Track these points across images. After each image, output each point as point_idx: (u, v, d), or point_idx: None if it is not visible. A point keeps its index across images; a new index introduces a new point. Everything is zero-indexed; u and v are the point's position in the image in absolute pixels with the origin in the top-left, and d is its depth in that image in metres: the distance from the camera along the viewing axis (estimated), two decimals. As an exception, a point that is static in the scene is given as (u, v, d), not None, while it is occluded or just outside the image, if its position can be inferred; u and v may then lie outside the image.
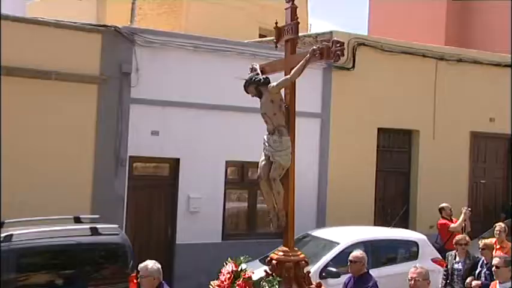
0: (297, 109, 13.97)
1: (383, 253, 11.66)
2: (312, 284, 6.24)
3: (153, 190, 13.41)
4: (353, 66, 15.30)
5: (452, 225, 12.68)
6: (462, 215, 12.67)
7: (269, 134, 6.58)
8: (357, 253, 7.74)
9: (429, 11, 22.91)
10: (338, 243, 11.22)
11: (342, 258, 10.75)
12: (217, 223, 13.80)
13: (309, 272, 6.45)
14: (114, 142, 12.51)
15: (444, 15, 22.79)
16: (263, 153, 6.87)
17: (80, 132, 12.21)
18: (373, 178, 15.76)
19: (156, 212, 13.46)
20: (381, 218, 15.38)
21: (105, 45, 12.54)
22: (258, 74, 6.84)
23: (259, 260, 11.82)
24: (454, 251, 10.31)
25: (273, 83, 6.73)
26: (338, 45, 6.18)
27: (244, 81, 6.89)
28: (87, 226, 9.72)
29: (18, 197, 11.11)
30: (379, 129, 15.93)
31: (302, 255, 6.33)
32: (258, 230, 14.57)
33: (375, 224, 14.86)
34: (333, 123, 15.12)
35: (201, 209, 13.44)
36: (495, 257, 7.64)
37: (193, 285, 12.83)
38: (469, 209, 13.06)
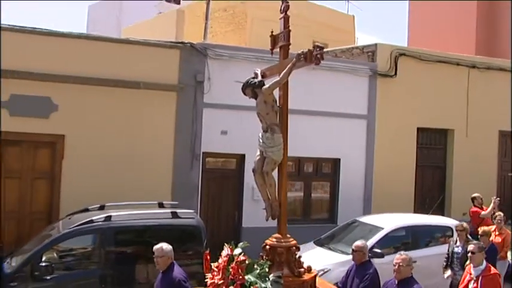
0: (346, 111, 14.23)
1: (421, 237, 11.50)
2: (301, 268, 5.99)
3: (223, 181, 13.64)
4: (395, 74, 15.25)
5: (483, 212, 12.55)
6: (492, 204, 12.53)
7: (263, 131, 6.39)
8: (359, 243, 7.52)
9: (461, 23, 22.53)
10: (382, 228, 11.16)
11: (385, 241, 10.90)
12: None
13: (300, 257, 6.13)
14: (190, 140, 12.81)
15: (474, 26, 22.36)
16: (258, 149, 6.68)
17: (162, 131, 12.55)
18: (413, 172, 15.68)
19: (225, 199, 13.68)
20: (420, 207, 15.26)
21: (183, 58, 12.86)
22: (254, 77, 6.63)
23: (314, 242, 12.00)
24: (456, 236, 10.20)
25: (266, 85, 6.56)
26: (318, 49, 6.00)
27: (242, 84, 6.68)
28: (169, 211, 9.94)
29: (115, 186, 11.55)
30: (418, 129, 15.84)
31: (293, 242, 6.03)
32: (312, 216, 14.69)
33: (415, 212, 14.74)
34: (378, 123, 15.11)
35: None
36: (470, 244, 7.45)
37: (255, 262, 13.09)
38: (498, 198, 12.90)
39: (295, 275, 5.73)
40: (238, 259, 5.59)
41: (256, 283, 5.35)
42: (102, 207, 10.04)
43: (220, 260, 5.71)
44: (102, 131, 11.97)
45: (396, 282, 6.27)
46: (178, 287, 6.23)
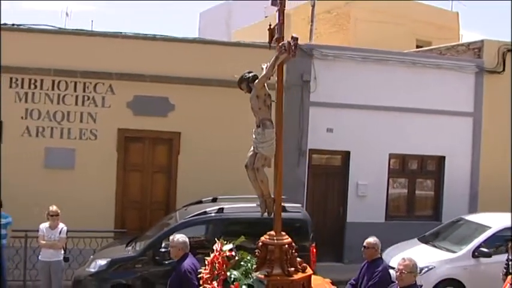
0: (451, 109, 13.57)
1: (533, 238, 10.85)
2: (294, 267, 5.44)
3: (328, 177, 13.56)
4: (503, 70, 14.34)
5: None
6: None
7: (256, 126, 5.97)
8: (371, 240, 7.04)
9: None
10: (490, 227, 10.61)
11: (493, 240, 10.34)
12: (381, 206, 13.69)
13: (293, 254, 5.59)
14: (297, 137, 12.82)
15: None
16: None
17: (270, 129, 12.65)
18: (524, 171, 14.70)
19: (330, 195, 13.59)
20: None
21: (290, 59, 12.88)
22: (249, 72, 6.15)
23: (418, 239, 11.63)
24: None
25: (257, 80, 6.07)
26: (293, 40, 5.61)
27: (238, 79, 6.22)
28: (277, 204, 10.12)
29: (226, 180, 11.72)
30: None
31: (287, 240, 5.54)
32: (416, 213, 14.26)
33: (524, 212, 13.87)
34: (485, 121, 14.29)
35: (367, 194, 13.43)
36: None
37: (359, 256, 12.80)
38: None
39: (285, 274, 5.23)
40: (224, 254, 5.32)
41: (239, 279, 5.06)
42: (214, 200, 10.33)
43: (212, 254, 5.48)
44: (214, 128, 12.30)
45: None
46: (183, 277, 6.10)
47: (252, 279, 5.05)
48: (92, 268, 9.23)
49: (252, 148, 5.93)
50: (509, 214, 11.72)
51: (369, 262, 6.85)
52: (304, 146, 12.92)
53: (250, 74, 5.97)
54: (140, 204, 12.36)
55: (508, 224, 10.66)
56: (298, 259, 5.59)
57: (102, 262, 9.18)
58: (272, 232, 5.54)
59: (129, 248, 9.52)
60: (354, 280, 7.02)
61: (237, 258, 5.36)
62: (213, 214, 9.47)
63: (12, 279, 10.52)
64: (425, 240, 11.44)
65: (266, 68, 5.93)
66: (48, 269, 9.32)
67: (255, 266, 5.30)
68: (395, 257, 10.87)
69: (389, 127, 13.48)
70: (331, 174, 13.65)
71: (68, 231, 9.50)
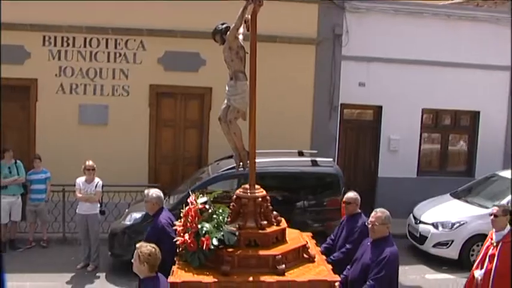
0: (487, 63, 13.08)
1: None
2: (267, 221, 5.27)
3: (359, 132, 13.43)
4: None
5: None
6: None
7: (229, 79, 5.77)
8: (351, 195, 6.74)
9: None
10: (524, 183, 10.40)
11: (527, 196, 10.14)
12: (413, 161, 13.51)
13: (268, 207, 5.40)
14: (328, 92, 12.63)
15: None
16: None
17: (301, 84, 12.48)
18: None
19: (362, 149, 13.48)
20: None
21: (321, 12, 12.58)
22: (223, 23, 5.90)
23: (450, 194, 11.50)
24: None
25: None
26: None
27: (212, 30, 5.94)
28: (308, 159, 10.02)
29: (257, 134, 11.61)
30: None
31: (261, 193, 5.36)
32: (448, 169, 14.05)
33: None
34: (523, 74, 13.80)
35: (399, 149, 13.23)
36: (493, 206, 6.21)
37: (390, 210, 12.58)
38: None
39: (258, 227, 5.11)
40: (196, 207, 5.15)
41: (211, 232, 4.92)
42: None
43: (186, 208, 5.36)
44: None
45: (370, 241, 5.51)
46: (161, 231, 5.96)
47: (221, 232, 4.97)
48: (127, 221, 9.41)
49: (225, 101, 5.79)
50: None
51: (348, 217, 6.60)
52: (336, 101, 12.72)
53: (223, 26, 5.78)
54: (173, 159, 12.46)
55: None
56: (274, 212, 5.48)
57: (137, 215, 9.34)
58: (246, 185, 5.39)
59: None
60: (330, 239, 6.73)
61: (210, 211, 5.22)
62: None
63: (52, 232, 10.82)
64: (457, 195, 11.32)
65: (247, 19, 5.69)
66: (86, 221, 9.54)
67: (227, 219, 5.22)
68: (427, 212, 10.83)
69: (423, 81, 13.12)
70: (363, 129, 13.49)
71: (103, 185, 9.66)
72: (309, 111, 12.62)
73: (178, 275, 4.80)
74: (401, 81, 13.03)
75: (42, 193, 10.56)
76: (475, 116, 13.95)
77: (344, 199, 6.75)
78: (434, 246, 10.29)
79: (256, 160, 9.37)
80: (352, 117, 13.51)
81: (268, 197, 5.45)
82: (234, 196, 5.40)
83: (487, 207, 10.15)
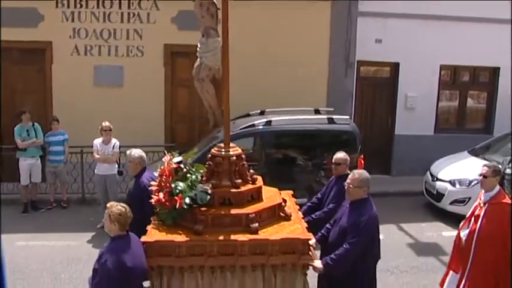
0: (507, 17, 12.67)
1: None
2: (242, 179, 5.16)
3: (376, 89, 13.25)
4: None
5: None
6: None
7: (201, 36, 5.55)
8: (341, 155, 6.48)
9: None
10: (543, 141, 10.24)
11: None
12: (430, 118, 13.34)
13: (243, 165, 5.25)
14: (344, 49, 12.38)
15: None
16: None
17: (317, 40, 12.27)
18: None
19: (378, 107, 13.34)
20: None
21: (337, -32, 12.29)
22: None
23: (468, 152, 11.37)
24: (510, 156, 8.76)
25: None
26: None
27: None
28: (325, 116, 9.93)
29: (272, 93, 11.65)
30: None
31: (236, 152, 5.21)
32: (466, 126, 13.87)
33: None
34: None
35: (416, 106, 13.07)
36: (484, 166, 5.93)
37: (407, 168, 12.77)
38: None
39: (232, 186, 5.00)
40: (170, 166, 5.03)
41: (184, 191, 4.82)
42: (262, 113, 10.30)
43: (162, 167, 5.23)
44: (259, 40, 12.00)
45: (348, 203, 5.35)
46: (143, 191, 5.85)
47: (194, 191, 4.87)
48: (145, 180, 9.44)
49: (198, 59, 5.60)
50: None
51: (336, 178, 6.38)
52: (352, 58, 12.47)
53: None
54: (189, 119, 12.44)
55: None
56: (251, 171, 5.39)
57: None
58: (221, 144, 5.29)
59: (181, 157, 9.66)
60: (316, 198, 6.59)
61: (185, 170, 5.09)
62: (260, 127, 9.46)
63: (72, 193, 10.96)
64: (475, 153, 11.18)
65: None
66: (104, 182, 9.62)
67: (201, 179, 5.10)
68: (444, 170, 10.75)
69: (441, 37, 12.80)
70: (380, 86, 13.30)
71: (120, 146, 9.70)
72: (325, 69, 12.42)
73: (152, 234, 4.77)
74: (419, 37, 12.74)
75: (61, 155, 10.64)
76: (494, 72, 13.67)
77: (333, 160, 6.50)
78: (451, 203, 10.23)
79: (272, 118, 9.54)
80: (368, 75, 13.30)
81: (243, 156, 5.33)
82: (209, 155, 5.29)
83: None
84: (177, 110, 12.37)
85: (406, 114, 13.11)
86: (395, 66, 13.10)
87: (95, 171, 9.78)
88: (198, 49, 5.51)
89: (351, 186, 5.25)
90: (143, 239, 4.66)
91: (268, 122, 9.44)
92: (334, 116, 9.85)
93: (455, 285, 5.74)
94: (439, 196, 10.47)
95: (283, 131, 9.49)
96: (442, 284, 6.07)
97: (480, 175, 5.85)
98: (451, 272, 5.90)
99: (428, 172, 11.19)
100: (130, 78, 11.94)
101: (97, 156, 9.57)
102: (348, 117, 10.28)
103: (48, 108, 11.92)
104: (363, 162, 9.74)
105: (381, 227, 9.61)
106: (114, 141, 9.65)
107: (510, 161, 9.11)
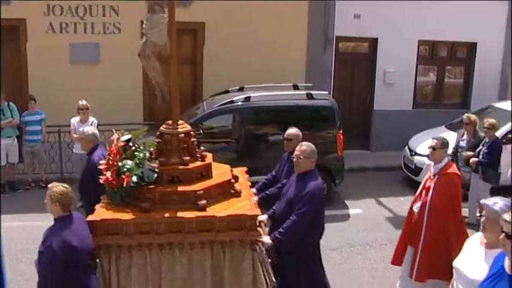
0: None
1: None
2: (191, 156, 5.10)
3: (355, 64, 13.28)
4: None
5: None
6: None
7: (147, 12, 5.42)
8: (293, 131, 6.45)
9: None
10: (519, 114, 10.36)
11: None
12: (408, 93, 13.44)
13: (192, 143, 5.21)
14: (322, 24, 12.34)
15: None
16: None
17: (295, 16, 12.20)
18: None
19: (357, 82, 13.38)
20: None
21: None
22: None
23: (445, 126, 11.49)
24: (463, 129, 8.99)
25: None
26: None
27: None
28: (304, 92, 9.93)
29: (251, 69, 11.57)
30: None
31: (185, 129, 5.13)
32: (444, 101, 14.02)
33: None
34: (521, 3, 13.47)
35: (395, 82, 13.13)
36: (432, 138, 6.10)
37: (386, 143, 12.88)
38: None
39: (180, 163, 4.97)
40: (118, 145, 4.95)
41: (132, 170, 4.75)
42: (241, 89, 10.25)
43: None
44: (238, 18, 11.89)
45: (296, 176, 5.36)
46: (95, 168, 5.64)
47: (141, 169, 4.81)
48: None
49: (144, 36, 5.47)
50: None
51: (289, 154, 6.28)
52: (330, 33, 12.44)
53: None
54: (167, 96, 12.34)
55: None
56: (202, 147, 5.37)
57: (134, 153, 9.30)
58: (170, 121, 5.20)
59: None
60: (270, 175, 6.52)
61: (133, 148, 5.03)
62: (240, 103, 9.44)
63: (50, 172, 10.84)
64: (453, 127, 11.29)
65: None
66: (83, 161, 9.51)
67: (150, 156, 5.08)
68: (422, 144, 10.84)
69: (419, 12, 12.82)
70: (359, 62, 13.33)
71: (98, 124, 9.59)
72: (303, 45, 12.37)
73: (99, 213, 4.72)
74: (397, 12, 12.73)
75: (38, 134, 10.50)
76: (471, 47, 13.77)
77: (285, 135, 6.50)
78: (429, 177, 10.35)
79: (251, 94, 9.50)
80: (347, 50, 13.30)
81: (192, 132, 5.27)
82: (158, 133, 5.21)
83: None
84: (154, 87, 12.23)
85: (384, 89, 13.17)
86: (373, 42, 13.12)
87: (73, 151, 9.69)
88: (143, 25, 5.37)
89: (300, 157, 5.25)
90: (89, 218, 4.61)
91: (247, 98, 9.41)
92: (313, 92, 9.86)
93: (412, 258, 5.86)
94: (417, 170, 10.59)
95: (262, 107, 9.47)
96: (395, 260, 6.17)
97: (429, 148, 5.98)
98: (409, 247, 6.01)
99: (406, 147, 11.31)
100: (107, 55, 11.76)
101: (75, 135, 9.45)
102: (326, 92, 10.29)
103: (24, 87, 11.69)
104: (342, 137, 9.80)
105: (360, 202, 9.78)
106: (91, 119, 9.55)
107: (463, 134, 9.22)
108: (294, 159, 5.32)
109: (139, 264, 4.57)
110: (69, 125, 9.59)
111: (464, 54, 13.94)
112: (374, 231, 8.44)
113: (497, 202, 3.77)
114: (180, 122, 5.21)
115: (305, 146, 5.34)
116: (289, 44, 12.15)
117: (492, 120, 8.77)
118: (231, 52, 11.82)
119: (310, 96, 9.67)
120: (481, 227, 3.88)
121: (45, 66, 11.58)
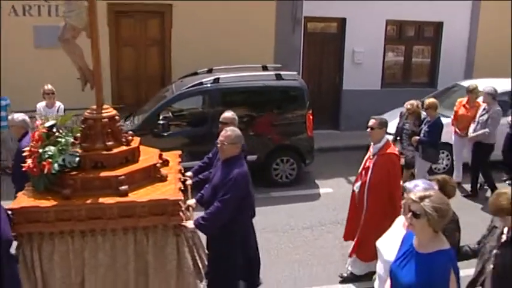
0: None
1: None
2: (116, 141, 5.01)
3: (323, 45, 13.28)
4: None
5: None
6: None
7: None
8: (228, 114, 6.34)
9: None
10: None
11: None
12: (377, 73, 13.54)
13: (118, 127, 5.10)
14: (291, 5, 12.31)
15: None
16: None
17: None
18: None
19: (326, 63, 13.41)
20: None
21: None
22: None
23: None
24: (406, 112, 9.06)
25: None
26: None
27: None
28: (273, 73, 9.90)
29: (220, 51, 11.46)
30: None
31: (109, 114, 5.01)
32: (412, 80, 14.18)
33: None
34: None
35: (363, 61, 13.22)
36: (371, 118, 6.21)
37: (355, 123, 12.94)
38: None
39: (104, 148, 4.89)
40: (40, 131, 4.84)
41: (54, 156, 4.66)
42: (210, 71, 10.19)
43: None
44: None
45: (221, 161, 5.31)
46: (22, 155, 5.85)
47: (63, 156, 4.71)
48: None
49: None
50: (505, 80, 11.59)
51: None
52: (299, 14, 12.39)
53: None
54: (136, 79, 12.20)
55: (504, 89, 10.54)
56: (130, 132, 5.30)
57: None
58: (94, 106, 5.07)
59: (128, 122, 9.51)
60: (207, 158, 6.41)
61: (57, 134, 4.91)
62: (209, 85, 9.38)
63: (17, 159, 10.65)
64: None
65: None
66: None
67: (74, 142, 4.96)
68: (390, 123, 10.91)
69: (387, -8, 12.88)
70: (327, 42, 13.35)
71: (65, 109, 9.43)
72: (271, 26, 12.33)
73: (19, 200, 4.62)
74: (366, -8, 12.76)
75: (4, 121, 10.24)
76: (438, 27, 13.92)
77: (221, 119, 6.39)
78: (397, 155, 10.49)
79: (221, 76, 9.45)
80: (316, 31, 13.30)
81: (117, 117, 5.13)
82: (82, 118, 5.09)
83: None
84: (123, 70, 12.09)
85: (353, 69, 13.26)
86: (342, 22, 13.15)
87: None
88: (63, 9, 5.24)
89: (224, 143, 5.18)
90: (8, 205, 4.54)
91: (216, 80, 9.36)
92: (282, 72, 9.85)
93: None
94: (386, 149, 10.71)
95: (231, 88, 9.43)
96: (346, 237, 6.56)
97: (367, 128, 6.10)
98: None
99: (375, 126, 11.40)
100: (73, 39, 11.53)
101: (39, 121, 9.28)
102: (295, 73, 10.31)
103: (-14, 72, 11.41)
104: (311, 117, 9.86)
105: (331, 181, 9.85)
106: (58, 104, 9.39)
107: (406, 116, 9.16)
108: (218, 145, 5.25)
109: (61, 252, 4.50)
110: (36, 111, 9.40)
111: (431, 34, 14.10)
112: (344, 210, 8.44)
113: (417, 185, 3.82)
114: (105, 106, 5.08)
115: (230, 131, 5.26)
116: (257, 24, 12.10)
117: (432, 100, 8.83)
118: (200, 34, 11.74)
119: (279, 77, 9.67)
120: (401, 210, 3.94)
121: (9, 51, 11.25)
